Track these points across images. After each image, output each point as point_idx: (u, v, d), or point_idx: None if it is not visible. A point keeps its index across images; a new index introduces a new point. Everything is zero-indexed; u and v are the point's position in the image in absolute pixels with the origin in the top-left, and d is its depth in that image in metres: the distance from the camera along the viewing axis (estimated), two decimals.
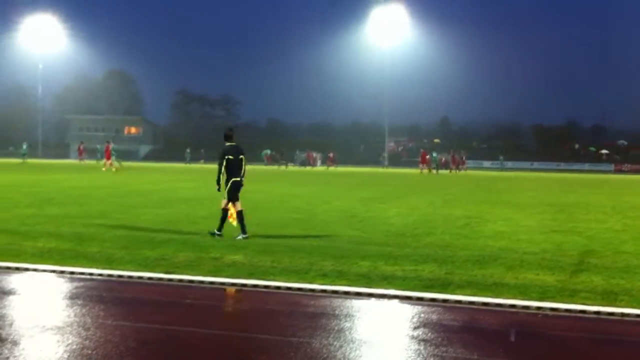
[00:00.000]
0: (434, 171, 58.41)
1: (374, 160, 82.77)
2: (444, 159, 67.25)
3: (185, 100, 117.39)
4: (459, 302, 7.02)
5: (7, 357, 4.94)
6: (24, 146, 64.47)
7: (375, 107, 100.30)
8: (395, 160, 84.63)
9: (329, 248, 10.24)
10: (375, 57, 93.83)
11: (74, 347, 5.22)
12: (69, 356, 5.00)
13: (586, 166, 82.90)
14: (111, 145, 46.59)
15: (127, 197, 20.25)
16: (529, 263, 9.31)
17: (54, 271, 8.31)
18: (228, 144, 11.69)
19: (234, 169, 11.50)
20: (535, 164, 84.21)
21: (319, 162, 79.51)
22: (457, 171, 62.08)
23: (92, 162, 63.60)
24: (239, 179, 11.53)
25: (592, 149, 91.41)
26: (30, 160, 58.72)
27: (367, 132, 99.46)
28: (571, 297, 7.29)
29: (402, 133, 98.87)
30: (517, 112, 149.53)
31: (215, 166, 12.11)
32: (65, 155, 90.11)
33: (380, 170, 63.91)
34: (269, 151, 78.76)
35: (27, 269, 8.42)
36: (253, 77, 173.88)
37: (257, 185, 28.03)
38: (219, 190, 11.57)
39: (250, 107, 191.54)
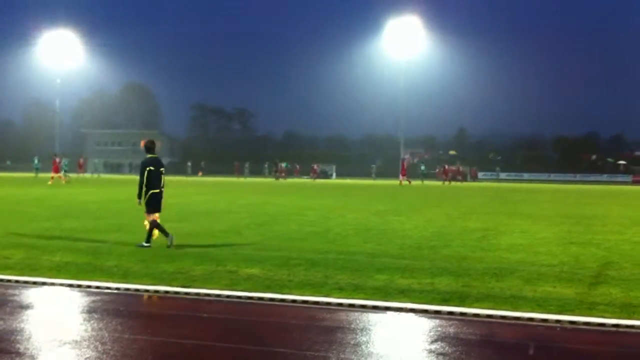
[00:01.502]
0: (420, 181, 58.55)
1: (391, 172, 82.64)
2: (445, 167, 67.02)
3: (202, 114, 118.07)
4: (477, 315, 6.96)
5: None
6: (36, 160, 65.13)
7: (391, 119, 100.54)
8: (411, 172, 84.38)
9: (344, 261, 10.22)
10: (391, 69, 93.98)
11: None
12: None
13: (604, 177, 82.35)
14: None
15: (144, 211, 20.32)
16: (546, 275, 9.23)
17: (71, 285, 8.35)
18: (149, 155, 11.93)
19: (154, 181, 11.77)
20: (553, 176, 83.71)
21: (334, 175, 79.60)
22: (449, 182, 61.53)
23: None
24: (158, 190, 11.81)
25: (610, 160, 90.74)
26: (42, 174, 59.12)
27: (382, 144, 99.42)
28: (590, 309, 7.21)
29: (418, 145, 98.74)
30: (535, 124, 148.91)
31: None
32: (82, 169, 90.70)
33: (374, 182, 63.73)
34: (285, 164, 78.93)
35: (44, 283, 8.47)
36: (269, 89, 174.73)
37: (272, 198, 28.08)
38: (139, 203, 11.87)
39: (266, 120, 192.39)
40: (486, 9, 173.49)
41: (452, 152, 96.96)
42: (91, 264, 9.83)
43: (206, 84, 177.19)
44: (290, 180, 67.02)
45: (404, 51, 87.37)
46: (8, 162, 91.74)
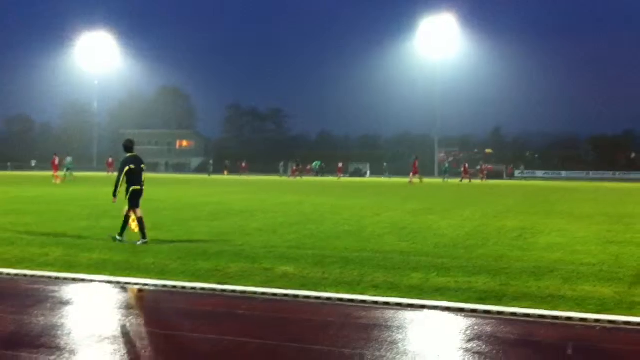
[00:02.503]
0: (442, 180, 58.14)
1: (426, 172, 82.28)
2: (465, 166, 66.25)
3: (237, 114, 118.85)
4: (514, 314, 6.88)
5: None
6: (69, 160, 66.12)
7: (426, 118, 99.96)
8: (468, 172, 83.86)
9: (380, 260, 10.20)
10: (425, 68, 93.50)
11: (130, 357, 5.31)
12: None
13: None
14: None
15: (179, 210, 20.56)
16: (585, 275, 9.09)
17: (109, 282, 8.47)
18: (129, 154, 12.44)
19: (134, 178, 12.26)
20: (591, 174, 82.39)
21: (368, 173, 79.50)
22: (469, 181, 60.71)
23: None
24: (139, 187, 12.30)
25: None
26: (75, 174, 60.16)
27: (417, 143, 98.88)
28: (630, 309, 7.08)
29: (453, 144, 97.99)
30: (572, 122, 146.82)
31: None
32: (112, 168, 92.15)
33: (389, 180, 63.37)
34: (319, 162, 79.08)
35: (83, 280, 8.61)
36: (304, 90, 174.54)
37: (306, 197, 28.13)
38: (114, 201, 12.37)
39: (300, 120, 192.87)
40: (522, 8, 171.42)
41: (488, 151, 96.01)
42: (128, 261, 9.97)
43: (241, 85, 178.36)
44: (320, 179, 67.07)
45: (439, 50, 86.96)
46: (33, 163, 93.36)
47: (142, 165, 12.51)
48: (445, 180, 61.09)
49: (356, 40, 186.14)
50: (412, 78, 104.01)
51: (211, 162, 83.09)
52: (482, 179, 62.78)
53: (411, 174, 53.62)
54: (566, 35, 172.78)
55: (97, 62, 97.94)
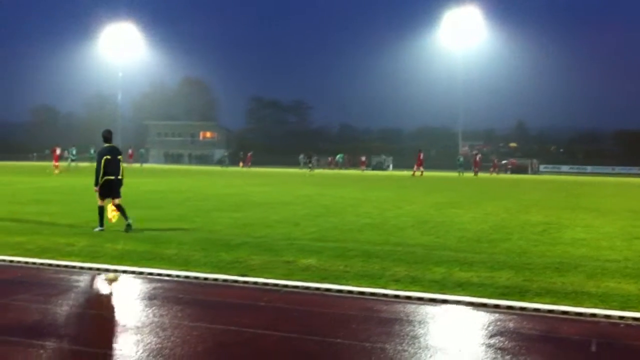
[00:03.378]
0: (458, 174, 57.86)
1: (448, 165, 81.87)
2: (477, 159, 65.85)
3: (259, 106, 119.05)
4: (537, 310, 6.82)
5: (89, 355, 5.10)
6: (74, 151, 66.48)
7: (448, 111, 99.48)
8: (469, 165, 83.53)
9: (402, 253, 10.16)
10: (448, 61, 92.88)
11: (153, 346, 5.34)
12: (147, 355, 5.12)
13: None
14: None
15: (203, 200, 20.66)
16: (610, 271, 8.98)
17: (132, 272, 8.54)
18: (106, 145, 12.70)
19: (110, 168, 12.52)
20: (617, 169, 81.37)
21: (390, 166, 79.31)
22: (476, 175, 60.42)
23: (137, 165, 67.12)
24: (113, 177, 12.53)
25: None
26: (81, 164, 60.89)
27: (439, 136, 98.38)
28: None
29: (476, 137, 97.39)
30: (596, 116, 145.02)
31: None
32: (144, 159, 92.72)
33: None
34: (342, 155, 79.06)
35: (107, 270, 8.69)
36: (325, 82, 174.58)
37: (328, 190, 28.12)
38: (96, 190, 12.58)
39: (322, 113, 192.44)
40: (545, 1, 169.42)
41: (512, 145, 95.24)
42: (152, 252, 10.04)
43: (262, 77, 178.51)
44: (344, 171, 67.00)
45: (462, 42, 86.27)
46: (47, 151, 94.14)
47: (119, 156, 12.77)
48: (461, 174, 60.73)
49: (379, 32, 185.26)
50: (435, 71, 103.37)
51: (226, 154, 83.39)
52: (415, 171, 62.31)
53: (415, 166, 53.65)
54: (591, 27, 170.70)
55: (121, 53, 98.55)
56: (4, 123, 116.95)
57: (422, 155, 54.07)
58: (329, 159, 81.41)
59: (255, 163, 79.81)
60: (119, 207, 12.50)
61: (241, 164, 76.62)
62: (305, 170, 64.28)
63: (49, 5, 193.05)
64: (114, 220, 12.48)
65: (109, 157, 12.50)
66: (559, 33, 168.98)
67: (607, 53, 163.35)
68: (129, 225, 12.34)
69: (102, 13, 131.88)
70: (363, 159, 75.43)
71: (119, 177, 12.68)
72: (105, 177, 12.48)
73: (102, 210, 12.52)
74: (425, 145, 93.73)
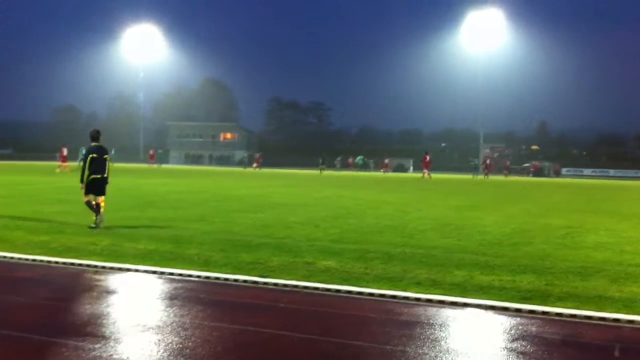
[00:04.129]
0: (471, 176, 58.09)
1: (466, 167, 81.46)
2: (487, 162, 65.64)
3: (278, 107, 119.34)
4: (560, 314, 6.76)
5: (111, 355, 5.13)
6: (83, 150, 68.65)
7: (469, 113, 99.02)
8: (491, 167, 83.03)
9: (422, 256, 10.12)
10: (470, 62, 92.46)
11: (174, 346, 5.37)
12: (168, 355, 5.14)
13: None
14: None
15: (224, 201, 20.74)
16: (634, 276, 8.88)
17: (154, 272, 8.59)
18: (94, 144, 13.03)
19: (96, 167, 12.88)
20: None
21: (411, 168, 79.05)
22: (486, 177, 60.48)
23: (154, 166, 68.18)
24: (99, 176, 12.88)
25: None
26: (116, 164, 62.31)
27: (460, 138, 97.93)
28: None
29: (497, 139, 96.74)
30: (620, 118, 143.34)
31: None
32: (165, 160, 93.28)
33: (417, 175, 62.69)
34: (362, 157, 78.92)
35: (128, 270, 8.75)
36: (345, 83, 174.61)
37: (348, 192, 28.09)
38: (82, 187, 12.87)
39: (342, 114, 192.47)
40: (568, 1, 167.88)
41: (534, 147, 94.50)
42: (173, 252, 10.09)
43: (282, 78, 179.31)
44: (363, 173, 66.95)
45: (484, 44, 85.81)
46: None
47: (105, 156, 13.07)
48: (475, 176, 60.66)
49: (400, 33, 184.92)
50: (456, 72, 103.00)
51: (246, 155, 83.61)
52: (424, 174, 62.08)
53: (424, 168, 53.31)
54: (616, 27, 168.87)
55: (143, 54, 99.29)
56: (28, 122, 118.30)
57: (428, 158, 53.81)
58: (349, 160, 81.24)
59: (275, 164, 79.95)
60: (97, 206, 12.86)
61: (254, 165, 76.39)
62: (320, 171, 64.46)
63: (73, 6, 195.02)
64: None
65: (95, 155, 12.85)
66: (581, 33, 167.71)
67: (631, 54, 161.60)
68: (96, 224, 12.59)
69: (125, 15, 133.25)
70: (386, 161, 75.00)
71: (105, 175, 13.02)
72: (92, 176, 12.86)
73: (89, 203, 12.90)
74: (449, 148, 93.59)
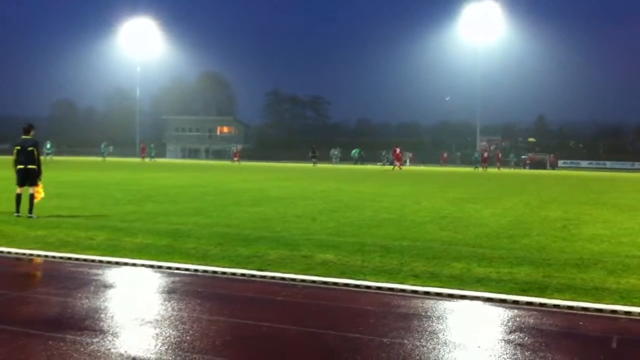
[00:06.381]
0: (473, 169, 59.44)
1: (464, 160, 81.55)
2: (484, 155, 66.23)
3: (277, 101, 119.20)
4: (557, 306, 6.77)
5: (109, 349, 5.13)
6: (103, 145, 72.01)
7: (467, 105, 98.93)
8: (489, 160, 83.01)
9: (420, 248, 10.13)
10: (467, 55, 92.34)
11: (172, 340, 5.37)
12: (166, 349, 5.15)
13: None
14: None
15: (221, 195, 20.73)
16: (631, 267, 8.89)
17: (151, 266, 8.58)
18: (23, 137, 13.63)
19: (20, 158, 13.55)
20: (637, 164, 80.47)
21: (408, 162, 78.86)
22: (484, 169, 61.66)
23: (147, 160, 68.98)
24: (22, 167, 13.48)
25: None
26: (109, 159, 63.32)
27: (458, 131, 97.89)
28: None
29: (495, 132, 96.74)
30: (618, 111, 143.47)
31: None
32: (161, 154, 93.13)
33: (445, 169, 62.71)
34: (358, 150, 78.75)
35: (126, 264, 8.75)
36: (343, 77, 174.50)
37: (346, 185, 28.09)
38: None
39: (340, 107, 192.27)
40: None
41: (531, 140, 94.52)
42: (171, 245, 10.09)
43: (280, 72, 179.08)
44: (360, 167, 66.90)
45: (482, 37, 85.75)
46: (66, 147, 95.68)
47: (29, 148, 13.51)
48: (477, 168, 61.27)
49: (398, 27, 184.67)
50: (454, 65, 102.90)
51: (239, 148, 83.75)
52: (484, 168, 63.03)
53: (395, 161, 56.31)
54: (612, 21, 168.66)
55: (140, 48, 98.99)
56: (25, 117, 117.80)
57: (398, 150, 56.83)
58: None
59: (274, 158, 79.86)
60: (31, 196, 13.31)
61: (235, 158, 76.15)
62: (314, 164, 64.63)
63: (70, 1, 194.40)
64: (39, 198, 13.54)
65: (19, 148, 13.53)
66: (580, 26, 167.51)
67: (630, 46, 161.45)
68: (29, 217, 13.10)
69: (122, 9, 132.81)
70: (398, 150, 75.07)
71: (30, 166, 13.47)
72: (18, 167, 13.56)
73: (18, 198, 13.33)
74: (446, 141, 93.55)
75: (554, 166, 76.25)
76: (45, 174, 14.17)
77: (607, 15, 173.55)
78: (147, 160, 71.78)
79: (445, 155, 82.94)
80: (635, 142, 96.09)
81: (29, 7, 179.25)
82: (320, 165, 63.41)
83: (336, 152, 79.48)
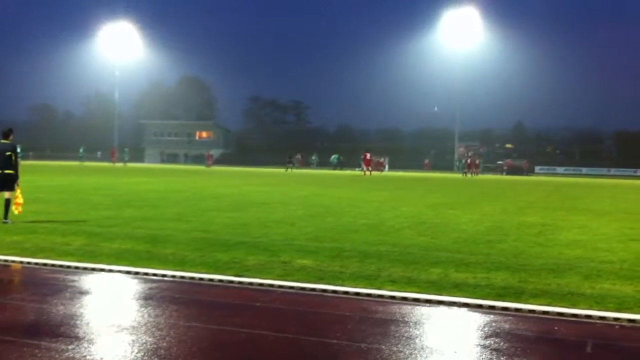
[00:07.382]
0: (463, 174, 60.97)
1: (445, 165, 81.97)
2: (468, 161, 66.91)
3: (257, 106, 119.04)
4: (533, 311, 6.83)
5: (84, 356, 5.10)
6: (81, 150, 72.45)
7: (447, 112, 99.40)
8: (473, 165, 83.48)
9: (398, 254, 10.17)
10: (446, 61, 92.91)
11: (148, 346, 5.34)
12: (143, 355, 5.12)
13: None
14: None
15: (201, 200, 20.65)
16: (606, 272, 9.00)
17: (128, 272, 8.53)
18: (2, 141, 13.49)
19: None
20: (613, 170, 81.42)
21: (386, 167, 79.07)
22: (472, 175, 62.55)
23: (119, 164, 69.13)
24: (0, 172, 13.22)
25: None
26: (87, 163, 63.39)
27: (437, 137, 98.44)
28: None
29: (474, 138, 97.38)
30: (595, 117, 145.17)
31: None
32: (140, 159, 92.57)
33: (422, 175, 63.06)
34: (337, 156, 78.85)
35: (102, 270, 8.68)
36: (323, 82, 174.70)
37: (326, 190, 28.13)
38: None
39: (320, 112, 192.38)
40: (545, 0, 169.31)
41: (508, 145, 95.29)
42: (149, 251, 10.03)
43: (261, 77, 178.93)
44: (339, 172, 67.00)
45: (461, 43, 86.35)
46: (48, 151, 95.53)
47: (7, 153, 13.34)
48: (465, 175, 62.03)
49: (377, 33, 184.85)
50: (433, 72, 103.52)
51: (211, 153, 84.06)
52: (474, 174, 63.90)
53: (364, 166, 57.84)
54: (590, 28, 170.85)
55: (119, 51, 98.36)
56: (3, 121, 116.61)
57: (368, 156, 58.13)
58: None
59: (254, 162, 79.70)
60: (7, 201, 13.23)
61: (208, 162, 76.76)
62: (286, 169, 64.90)
63: (47, 3, 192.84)
64: (16, 212, 13.31)
65: None
66: (558, 33, 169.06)
67: (607, 53, 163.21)
68: (4, 222, 12.97)
69: (101, 12, 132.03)
70: (382, 159, 75.78)
71: (6, 171, 13.31)
72: None
73: (7, 204, 13.22)
74: (425, 147, 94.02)
75: (528, 172, 76.80)
76: (22, 178, 14.01)
77: (585, 22, 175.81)
78: (118, 164, 71.37)
79: (427, 161, 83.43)
80: (611, 149, 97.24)
81: (4, 10, 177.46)
82: (295, 171, 63.43)
83: (314, 157, 79.67)
